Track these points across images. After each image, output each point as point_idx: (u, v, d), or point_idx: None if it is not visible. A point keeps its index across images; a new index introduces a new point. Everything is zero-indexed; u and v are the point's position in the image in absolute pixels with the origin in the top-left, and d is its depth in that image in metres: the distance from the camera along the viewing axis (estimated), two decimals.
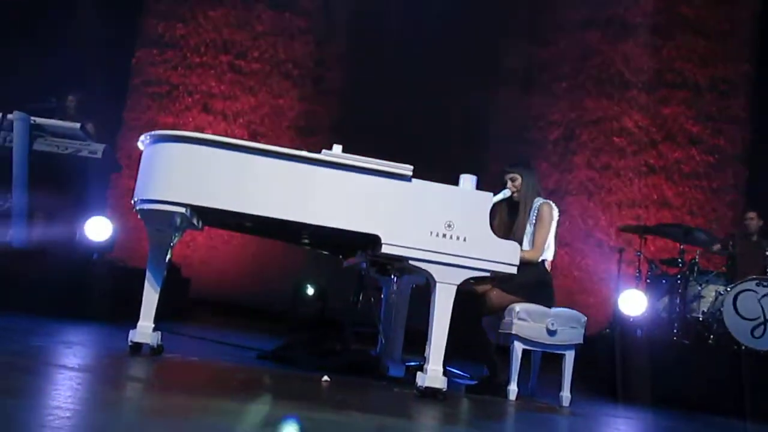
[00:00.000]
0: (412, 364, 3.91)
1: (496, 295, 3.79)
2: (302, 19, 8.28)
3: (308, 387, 3.10)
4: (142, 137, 3.17)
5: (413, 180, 3.20)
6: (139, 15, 8.24)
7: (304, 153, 3.11)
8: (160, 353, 3.31)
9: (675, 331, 5.18)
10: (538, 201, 3.95)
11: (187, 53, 8.27)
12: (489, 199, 3.33)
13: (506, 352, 3.77)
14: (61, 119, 5.29)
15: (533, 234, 3.89)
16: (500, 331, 3.81)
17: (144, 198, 3.05)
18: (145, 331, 3.22)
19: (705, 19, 7.90)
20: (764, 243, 5.64)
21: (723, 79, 7.85)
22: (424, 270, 3.18)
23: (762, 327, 4.92)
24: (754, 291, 5.00)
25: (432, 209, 3.18)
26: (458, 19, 8.04)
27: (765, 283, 5.02)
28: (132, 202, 3.17)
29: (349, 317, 4.40)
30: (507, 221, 4.01)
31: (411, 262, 3.17)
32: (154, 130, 3.20)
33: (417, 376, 3.21)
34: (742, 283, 5.05)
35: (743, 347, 4.84)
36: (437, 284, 3.16)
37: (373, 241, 3.16)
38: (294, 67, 8.26)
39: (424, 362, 3.21)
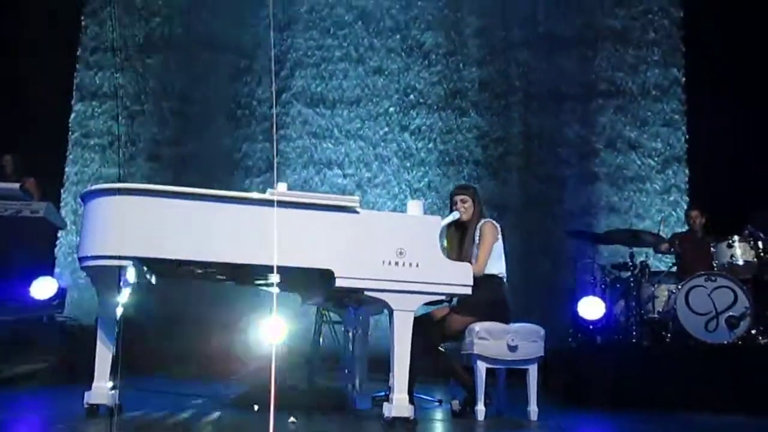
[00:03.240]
0: (379, 394, 3.89)
1: (454, 319, 3.82)
2: (241, 59, 8.29)
3: (277, 430, 3.04)
4: (80, 195, 3.11)
5: (361, 211, 3.22)
6: (73, 67, 8.12)
7: (246, 194, 3.10)
8: (119, 413, 3.21)
9: (634, 333, 5.28)
10: (482, 221, 4.02)
11: (127, 102, 8.18)
12: (438, 223, 3.38)
13: (470, 372, 3.78)
14: None
15: (478, 252, 3.94)
16: (462, 352, 3.83)
17: (86, 255, 2.99)
18: (100, 391, 3.13)
19: (631, 29, 8.21)
20: (708, 239, 5.83)
21: (654, 84, 8.14)
22: (380, 299, 3.18)
23: (715, 320, 5.07)
24: (703, 286, 5.16)
25: (382, 238, 3.21)
26: (391, 45, 8.21)
27: (713, 278, 5.18)
28: (78, 260, 3.10)
29: (312, 354, 4.36)
30: (456, 244, 4.07)
31: (366, 293, 3.17)
32: (98, 183, 3.14)
33: (383, 406, 3.20)
34: (691, 279, 5.20)
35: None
36: (394, 312, 3.17)
37: (327, 276, 3.16)
38: (236, 107, 8.24)
39: (390, 392, 3.20)
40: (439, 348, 3.88)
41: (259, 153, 8.11)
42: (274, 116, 8.12)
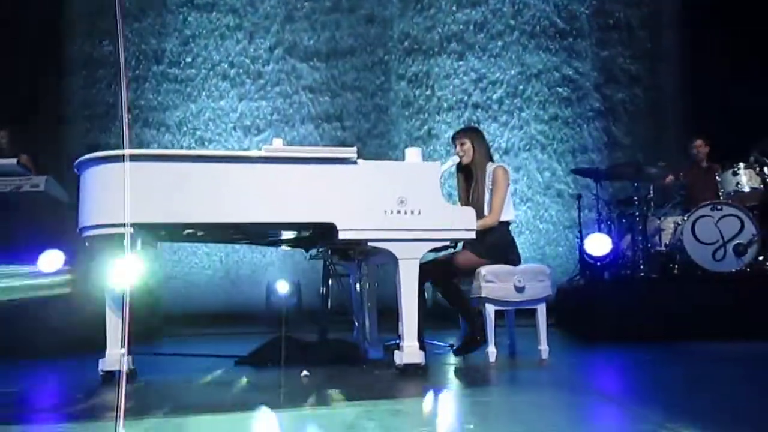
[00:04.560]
0: (390, 343, 3.93)
1: (462, 257, 3.82)
2: (229, 16, 8.13)
3: (290, 384, 3.09)
4: (74, 165, 3.09)
5: (359, 162, 3.19)
6: (61, 38, 7.99)
7: (242, 153, 3.07)
8: (133, 378, 3.25)
9: (641, 267, 5.28)
10: (492, 165, 3.98)
11: (118, 69, 8.06)
12: (437, 168, 3.34)
13: (479, 313, 3.81)
14: None
15: (490, 199, 3.92)
16: (471, 296, 3.85)
17: (86, 225, 2.98)
18: (113, 358, 3.16)
19: None
20: (714, 168, 5.77)
21: (652, 15, 7.96)
22: (385, 249, 3.18)
23: (722, 249, 5.05)
24: (710, 216, 5.13)
25: (382, 188, 3.18)
26: None
27: (719, 207, 5.15)
28: (78, 231, 3.10)
29: (321, 308, 4.39)
30: (465, 189, 4.05)
31: (370, 244, 3.17)
32: (96, 152, 3.10)
33: (394, 354, 3.23)
34: (697, 210, 5.17)
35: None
36: (399, 261, 3.17)
37: (330, 229, 3.15)
38: (229, 66, 8.13)
39: (400, 340, 3.22)
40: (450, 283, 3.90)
41: (255, 111, 8.03)
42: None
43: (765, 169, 5.40)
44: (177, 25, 8.14)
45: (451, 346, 4.18)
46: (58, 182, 5.43)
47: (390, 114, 8.00)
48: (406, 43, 8.10)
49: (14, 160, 5.07)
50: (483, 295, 3.71)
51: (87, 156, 3.03)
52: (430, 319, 4.26)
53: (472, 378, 3.37)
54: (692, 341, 4.35)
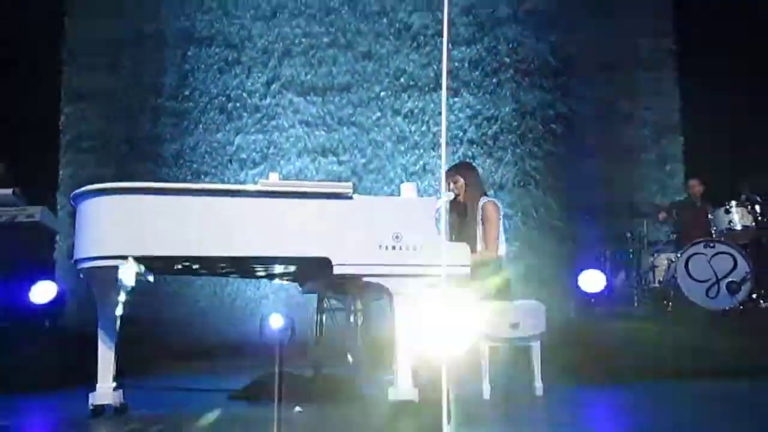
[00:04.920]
0: (385, 379, 3.90)
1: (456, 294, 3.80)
2: (228, 50, 8.24)
3: (284, 420, 3.05)
4: (71, 197, 3.10)
5: (355, 196, 3.21)
6: (60, 70, 8.06)
7: (238, 186, 3.09)
8: (124, 412, 3.21)
9: (635, 303, 5.28)
10: (483, 200, 4.01)
11: (116, 102, 8.13)
12: (433, 204, 3.35)
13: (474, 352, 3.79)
14: None
15: (483, 233, 3.93)
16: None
17: (82, 257, 2.98)
18: (105, 391, 3.13)
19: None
20: (707, 206, 5.83)
21: (646, 54, 8.10)
22: (379, 285, 3.17)
23: (716, 287, 5.08)
24: (702, 253, 5.16)
25: (378, 223, 3.18)
26: (379, 29, 8.18)
27: (712, 245, 5.19)
28: (73, 262, 3.09)
29: (315, 343, 4.36)
30: (457, 224, 4.07)
31: (365, 279, 3.16)
32: (92, 184, 3.12)
33: (389, 391, 3.20)
34: (690, 247, 5.21)
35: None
36: (394, 297, 3.16)
37: (325, 264, 3.15)
38: (227, 100, 8.20)
39: (394, 376, 3.20)
40: None
41: (252, 145, 8.08)
42: None
43: (756, 207, 5.46)
44: (175, 59, 8.23)
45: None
46: (52, 213, 5.44)
47: (385, 149, 8.06)
48: (401, 80, 8.21)
49: (10, 191, 5.07)
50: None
51: (85, 188, 3.04)
52: None
53: (467, 414, 3.33)
54: (687, 379, 4.33)
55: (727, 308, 5.01)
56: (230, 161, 8.06)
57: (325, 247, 3.10)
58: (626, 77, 7.99)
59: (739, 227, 5.42)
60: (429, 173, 7.87)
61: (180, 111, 8.16)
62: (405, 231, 3.19)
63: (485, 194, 4.08)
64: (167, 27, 8.23)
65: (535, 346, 3.77)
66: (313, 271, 3.54)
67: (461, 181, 4.01)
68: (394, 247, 3.17)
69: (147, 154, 8.06)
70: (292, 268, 3.53)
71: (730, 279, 5.05)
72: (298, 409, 3.20)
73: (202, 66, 8.23)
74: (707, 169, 6.36)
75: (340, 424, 2.92)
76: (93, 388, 3.15)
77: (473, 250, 3.73)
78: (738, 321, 4.85)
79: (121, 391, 3.22)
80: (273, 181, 3.14)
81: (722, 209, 5.52)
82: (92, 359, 3.22)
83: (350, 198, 3.19)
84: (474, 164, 4.44)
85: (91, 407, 3.12)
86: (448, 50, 8.03)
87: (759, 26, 7.00)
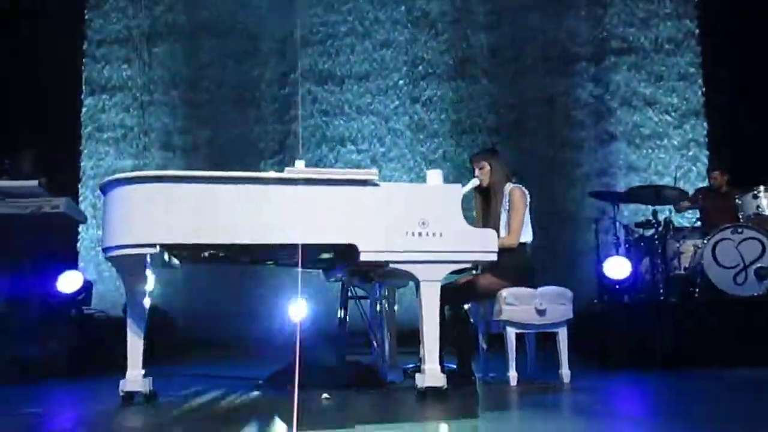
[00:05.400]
0: (410, 366, 3.90)
1: (483, 280, 3.79)
2: (246, 41, 8.24)
3: (310, 407, 3.06)
4: (99, 186, 3.12)
5: (381, 184, 3.20)
6: (80, 62, 8.12)
7: (265, 174, 3.09)
8: (153, 399, 3.24)
9: (661, 290, 5.22)
10: (509, 186, 3.98)
11: (137, 93, 8.18)
12: (458, 191, 3.34)
13: (501, 339, 3.78)
14: (15, 179, 5.17)
15: (508, 220, 3.91)
16: (493, 319, 3.82)
17: (111, 245, 2.99)
18: (134, 379, 3.16)
19: None
20: (733, 192, 5.73)
21: (667, 38, 7.98)
22: (406, 271, 3.17)
23: (743, 273, 5.00)
24: (730, 239, 5.08)
25: (404, 210, 3.18)
26: (397, 17, 8.13)
27: (739, 230, 5.10)
28: (102, 250, 3.12)
29: (340, 331, 4.36)
30: (482, 210, 4.05)
31: (391, 265, 3.16)
32: (114, 175, 3.14)
33: (416, 377, 3.20)
34: (718, 233, 5.12)
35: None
36: (421, 283, 3.16)
37: (351, 250, 3.15)
38: (246, 90, 8.21)
39: (421, 363, 3.20)
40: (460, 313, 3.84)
41: (271, 134, 8.09)
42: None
43: None
44: (194, 50, 8.24)
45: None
46: (76, 204, 5.48)
47: (405, 137, 8.03)
48: (420, 67, 8.16)
49: (35, 182, 5.10)
50: (504, 318, 3.69)
51: (113, 177, 3.06)
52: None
53: (494, 402, 3.32)
54: (714, 366, 4.29)
55: (755, 294, 4.94)
56: (249, 151, 8.08)
57: (351, 234, 3.10)
58: (649, 62, 7.88)
59: (767, 212, 5.33)
60: (449, 161, 7.83)
61: (198, 102, 8.19)
62: (431, 217, 3.18)
63: (510, 180, 4.05)
64: (185, 18, 8.24)
65: (562, 333, 3.75)
66: (339, 259, 3.54)
67: (486, 167, 3.98)
68: (420, 234, 3.16)
69: (166, 146, 8.11)
70: (318, 255, 3.53)
71: (759, 265, 4.97)
72: (326, 395, 3.20)
73: (220, 57, 8.23)
74: (732, 154, 6.26)
75: (367, 411, 2.92)
76: (122, 376, 3.18)
77: (498, 236, 3.71)
78: (766, 307, 4.78)
79: (150, 378, 3.25)
80: (299, 168, 3.13)
81: (750, 194, 5.42)
82: (119, 348, 3.25)
83: (376, 185, 3.18)
84: (497, 150, 4.40)
85: (122, 394, 3.15)
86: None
87: None
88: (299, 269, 4.13)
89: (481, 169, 4.01)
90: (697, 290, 5.17)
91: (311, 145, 8.03)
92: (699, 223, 5.92)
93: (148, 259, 3.03)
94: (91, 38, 8.21)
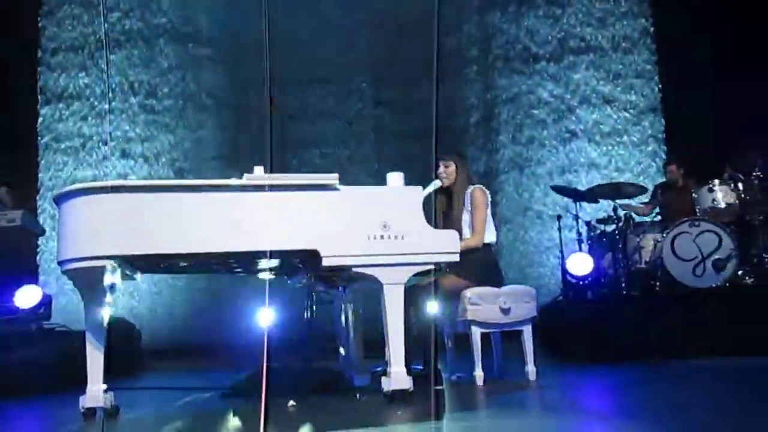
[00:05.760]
0: (377, 370, 3.89)
1: (447, 281, 3.80)
2: (207, 47, 8.15)
3: (276, 415, 3.04)
4: (54, 197, 3.05)
5: (341, 187, 3.19)
6: (35, 70, 7.94)
7: (224, 181, 3.06)
8: (116, 414, 3.18)
9: (623, 285, 5.31)
10: (470, 188, 4.02)
11: (94, 101, 8.03)
12: (419, 193, 3.35)
13: (466, 339, 3.80)
14: None
15: (471, 220, 3.94)
16: (457, 319, 3.84)
17: (66, 258, 2.93)
18: (95, 394, 3.09)
19: None
20: (690, 185, 5.86)
21: (624, 36, 8.12)
22: (369, 275, 3.16)
23: (702, 265, 5.12)
24: (688, 232, 5.20)
25: (365, 213, 3.18)
26: (359, 19, 8.13)
27: (696, 223, 5.22)
28: (58, 264, 3.05)
29: (306, 336, 4.34)
30: (445, 212, 4.08)
31: (354, 269, 3.15)
32: (68, 186, 3.08)
33: (382, 381, 3.20)
34: (676, 227, 5.24)
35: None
36: (384, 286, 3.15)
37: (313, 256, 3.13)
38: (207, 96, 8.13)
39: (387, 366, 3.20)
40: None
41: (234, 141, 8.02)
42: None
43: (739, 184, 5.50)
44: (154, 57, 8.13)
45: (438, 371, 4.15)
46: (33, 216, 5.36)
47: (368, 140, 8.04)
48: (382, 70, 8.17)
49: None
50: (469, 318, 3.71)
51: (67, 188, 3.00)
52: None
53: (461, 402, 3.34)
54: (676, 358, 4.37)
55: (713, 286, 5.05)
56: (213, 158, 8.00)
57: (313, 240, 3.09)
58: (606, 60, 8.00)
59: (722, 205, 5.46)
60: (412, 163, 7.83)
61: (160, 109, 8.07)
62: (393, 220, 3.18)
63: (471, 182, 4.09)
64: (145, 24, 8.12)
65: (527, 331, 3.78)
66: (302, 264, 3.52)
67: (452, 166, 4.02)
68: (382, 237, 3.16)
69: (128, 154, 7.97)
70: (280, 262, 3.50)
71: (716, 257, 5.10)
72: (291, 403, 3.18)
73: (182, 63, 8.13)
74: (689, 149, 6.40)
75: (333, 417, 2.91)
76: (83, 392, 3.11)
77: (461, 237, 3.74)
78: (724, 298, 4.89)
79: (112, 393, 3.18)
80: (258, 174, 3.10)
81: (706, 188, 5.55)
82: (81, 362, 3.18)
83: (337, 189, 3.17)
84: (463, 153, 4.45)
85: (83, 410, 3.08)
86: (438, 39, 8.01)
87: (737, 3, 7.03)
88: (264, 276, 4.13)
89: (447, 167, 4.04)
90: (657, 283, 5.28)
91: (274, 150, 7.95)
92: (659, 218, 6.04)
93: (107, 272, 2.97)
94: (45, 46, 8.02)
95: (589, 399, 3.42)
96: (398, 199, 3.25)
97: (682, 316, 4.72)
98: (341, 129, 8.02)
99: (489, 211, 3.99)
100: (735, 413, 2.62)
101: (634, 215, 5.87)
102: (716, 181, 5.53)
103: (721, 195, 5.49)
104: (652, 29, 8.00)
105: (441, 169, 4.04)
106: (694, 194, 5.64)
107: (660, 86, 7.91)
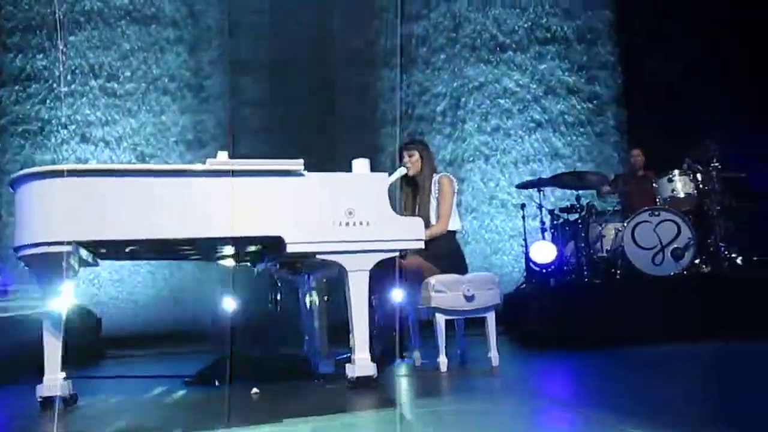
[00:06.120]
0: (342, 357, 3.89)
1: (410, 260, 3.78)
2: (169, 29, 7.99)
3: (240, 402, 3.02)
4: (9, 182, 2.96)
5: (306, 173, 3.17)
6: None
7: (187, 166, 3.01)
8: (74, 403, 3.12)
9: (585, 272, 5.40)
10: (437, 175, 4.04)
11: (53, 84, 7.82)
12: (385, 179, 3.35)
13: (430, 325, 3.82)
14: None
15: (437, 207, 3.97)
16: (420, 306, 3.85)
17: (22, 243, 2.85)
18: (53, 383, 3.02)
19: None
20: (650, 175, 5.98)
21: (588, 28, 8.22)
22: (334, 261, 3.16)
23: (661, 254, 5.23)
24: (648, 221, 5.30)
25: (330, 200, 3.16)
26: (325, 6, 8.05)
27: (656, 213, 5.33)
28: (13, 250, 2.97)
29: (269, 324, 4.32)
30: (411, 200, 4.09)
31: (318, 256, 3.14)
32: (31, 168, 2.98)
33: (346, 368, 3.20)
34: (636, 216, 5.34)
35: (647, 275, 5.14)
36: (349, 273, 3.15)
37: (277, 242, 3.11)
38: (170, 80, 7.98)
39: (351, 353, 3.20)
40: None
41: (198, 125, 7.90)
42: None
43: (698, 175, 5.63)
44: (115, 39, 7.94)
45: (402, 356, 4.17)
46: None
47: (334, 127, 7.99)
48: (349, 56, 8.12)
49: None
50: (433, 305, 3.72)
51: (22, 172, 2.91)
52: None
53: (425, 388, 3.36)
54: (636, 345, 4.45)
55: (671, 274, 5.17)
56: (176, 142, 7.87)
57: (277, 226, 3.06)
58: (570, 50, 8.10)
59: (681, 195, 5.59)
60: (379, 151, 7.84)
61: (122, 92, 7.90)
62: (358, 207, 3.17)
63: (436, 171, 4.12)
64: (105, 5, 7.92)
65: (490, 317, 3.81)
66: (266, 251, 3.50)
67: (416, 155, 4.03)
68: (347, 224, 3.15)
69: (88, 138, 7.79)
70: (244, 248, 3.47)
71: (675, 245, 5.21)
72: (255, 390, 3.16)
73: (144, 45, 7.96)
74: (650, 140, 6.51)
75: (297, 404, 2.90)
76: (40, 381, 3.04)
77: (427, 225, 3.74)
78: (682, 286, 5.01)
79: (70, 381, 3.12)
80: (222, 160, 3.06)
81: (665, 178, 5.67)
82: (38, 351, 3.10)
83: (301, 175, 3.15)
84: (426, 141, 4.46)
85: (40, 400, 3.01)
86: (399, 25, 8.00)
87: None
88: (227, 262, 4.09)
89: (410, 156, 4.04)
90: (618, 272, 5.38)
91: (240, 135, 7.88)
92: (620, 207, 6.15)
93: (64, 258, 2.90)
94: (1, 26, 7.78)
95: (551, 385, 3.47)
96: (363, 186, 3.25)
97: (642, 303, 4.81)
98: (306, 115, 7.94)
99: (455, 199, 4.02)
100: (695, 397, 2.69)
101: (594, 202, 5.95)
102: (676, 172, 5.65)
103: (680, 185, 5.61)
104: (615, 22, 8.11)
105: (405, 158, 4.04)
106: (654, 184, 5.75)
107: (623, 78, 8.03)
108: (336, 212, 3.14)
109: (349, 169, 3.37)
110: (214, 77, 8.01)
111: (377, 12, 8.12)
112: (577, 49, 8.20)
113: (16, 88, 7.75)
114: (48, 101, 7.79)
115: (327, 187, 3.19)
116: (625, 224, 5.35)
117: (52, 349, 3.06)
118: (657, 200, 5.66)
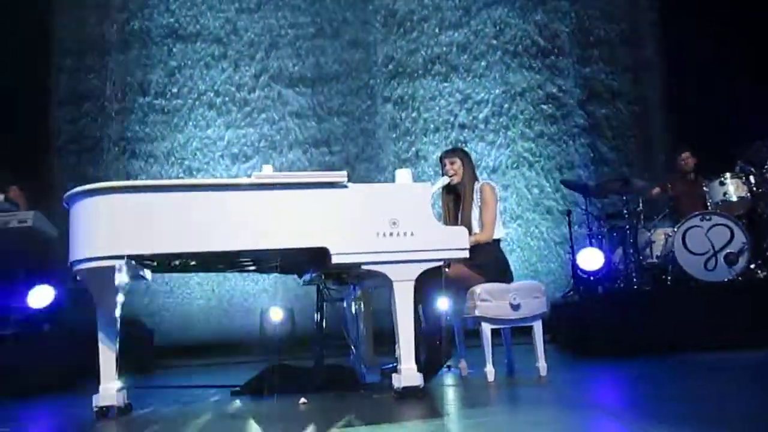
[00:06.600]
0: (388, 367, 3.90)
1: (454, 269, 3.73)
2: (214, 46, 8.18)
3: (288, 413, 3.05)
4: (63, 199, 3.07)
5: (350, 185, 3.19)
6: (47, 72, 8.00)
7: (233, 180, 3.07)
8: (128, 412, 3.20)
9: (634, 279, 5.29)
10: (479, 183, 4.03)
11: (105, 102, 8.08)
12: (428, 189, 3.36)
13: (476, 335, 3.80)
14: None
15: (480, 216, 3.95)
16: (465, 315, 3.83)
17: (78, 258, 2.95)
18: (108, 393, 3.11)
19: None
20: (700, 179, 5.82)
21: (632, 30, 8.09)
22: (379, 272, 3.17)
23: (713, 259, 5.08)
24: (699, 226, 5.17)
25: (374, 210, 3.18)
26: (365, 18, 8.13)
27: (708, 217, 5.19)
28: (69, 265, 3.07)
29: (316, 334, 4.35)
30: (453, 208, 4.09)
31: (364, 267, 3.16)
32: (85, 185, 3.09)
33: (393, 378, 3.20)
34: (687, 221, 5.21)
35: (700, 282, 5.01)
36: (394, 283, 3.16)
37: (323, 254, 3.14)
38: (215, 95, 8.15)
39: (397, 363, 3.20)
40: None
41: (243, 139, 8.04)
42: None
43: (751, 177, 5.46)
44: (162, 57, 8.17)
45: (449, 366, 4.15)
46: (46, 217, 5.39)
47: (377, 137, 8.04)
48: (390, 67, 8.17)
49: (1, 196, 5.02)
50: (478, 315, 3.70)
51: (76, 189, 3.02)
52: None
53: (472, 399, 3.34)
54: (688, 352, 4.34)
55: (725, 280, 5.02)
56: (222, 156, 8.03)
57: (322, 237, 3.09)
58: (612, 54, 7.98)
59: (734, 198, 5.42)
60: (421, 159, 7.85)
61: (169, 108, 8.11)
62: (401, 217, 3.18)
63: (477, 179, 4.10)
64: (152, 24, 8.16)
65: (537, 326, 3.77)
66: (311, 262, 3.53)
67: (458, 163, 4.03)
68: (391, 234, 3.17)
69: (138, 154, 8.02)
70: (290, 260, 3.51)
71: (728, 250, 5.06)
72: (303, 400, 3.19)
73: (189, 62, 8.17)
74: (698, 142, 6.34)
75: (344, 414, 2.91)
76: (96, 390, 3.13)
77: (469, 233, 3.72)
78: (736, 292, 4.86)
79: (124, 391, 3.21)
80: (267, 173, 3.11)
81: (717, 181, 5.52)
82: (94, 361, 3.20)
83: (345, 187, 3.18)
84: (466, 149, 4.46)
85: (96, 409, 3.11)
86: None
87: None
88: (274, 274, 4.15)
89: (452, 164, 4.04)
90: (669, 278, 5.25)
91: (284, 148, 7.99)
92: (668, 211, 6.01)
93: (118, 272, 2.99)
94: (59, 47, 8.09)
95: (601, 394, 3.41)
96: (407, 196, 3.26)
97: (695, 310, 4.69)
98: (349, 126, 8.02)
99: (498, 207, 3.99)
100: (749, 406, 2.61)
101: (641, 208, 5.82)
102: (727, 174, 5.50)
103: (732, 188, 5.45)
104: (659, 21, 7.97)
105: (447, 166, 4.04)
106: (705, 188, 5.60)
107: (668, 80, 7.87)
108: (380, 223, 3.16)
109: (392, 179, 3.39)
110: (258, 91, 8.15)
111: (416, 22, 8.15)
112: (621, 51, 8.07)
113: (71, 107, 8.03)
114: (99, 119, 8.05)
115: (370, 197, 3.22)
116: (676, 229, 5.23)
117: (107, 360, 3.16)
118: (708, 204, 5.51)
